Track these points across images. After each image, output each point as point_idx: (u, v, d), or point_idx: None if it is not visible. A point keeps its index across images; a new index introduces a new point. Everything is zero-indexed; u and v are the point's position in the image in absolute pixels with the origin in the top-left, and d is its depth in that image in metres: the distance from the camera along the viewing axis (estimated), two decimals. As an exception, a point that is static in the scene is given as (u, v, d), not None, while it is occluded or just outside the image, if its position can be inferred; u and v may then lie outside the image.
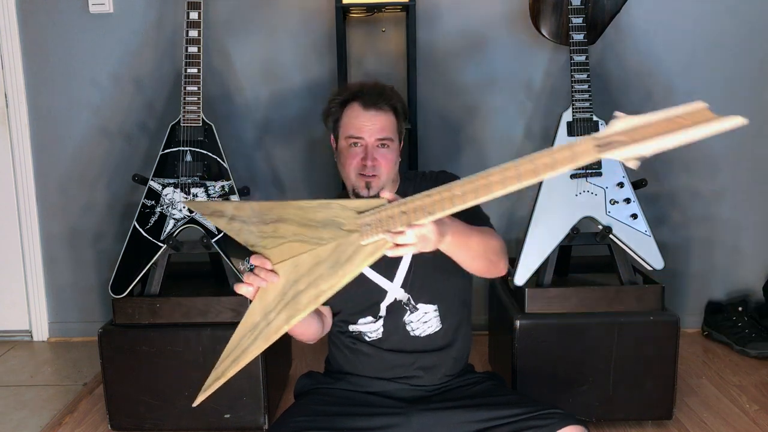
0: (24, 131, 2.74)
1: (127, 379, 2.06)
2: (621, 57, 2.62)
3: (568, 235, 2.03)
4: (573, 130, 2.08)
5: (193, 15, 2.17)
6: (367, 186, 1.50)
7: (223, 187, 2.11)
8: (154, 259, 2.07)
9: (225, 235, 2.08)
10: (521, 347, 2.00)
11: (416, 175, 1.64)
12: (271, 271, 1.26)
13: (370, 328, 1.55)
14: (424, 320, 1.54)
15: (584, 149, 0.99)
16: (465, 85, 2.66)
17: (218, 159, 2.13)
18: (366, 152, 1.50)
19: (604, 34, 2.26)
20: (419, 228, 1.13)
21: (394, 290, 1.53)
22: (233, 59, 2.65)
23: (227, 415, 2.05)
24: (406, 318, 1.54)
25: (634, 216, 2.03)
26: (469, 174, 1.07)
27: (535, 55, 2.63)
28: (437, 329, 1.55)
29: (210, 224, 2.08)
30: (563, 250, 2.17)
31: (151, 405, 2.06)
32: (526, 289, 2.03)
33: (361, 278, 1.34)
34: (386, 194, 1.17)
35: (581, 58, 2.10)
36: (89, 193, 2.76)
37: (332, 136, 1.62)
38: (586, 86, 2.08)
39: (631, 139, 0.96)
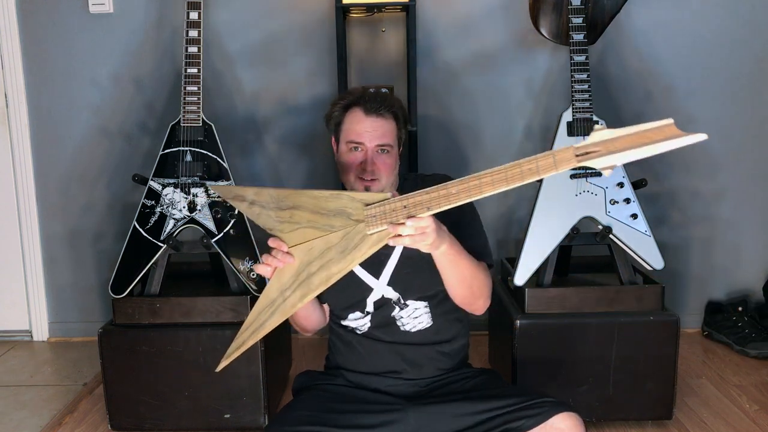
0: (24, 131, 2.74)
1: (127, 379, 2.06)
2: (621, 57, 2.62)
3: (568, 235, 2.03)
4: (573, 130, 2.08)
5: (193, 15, 2.17)
6: (367, 190, 1.54)
7: (223, 187, 2.12)
8: (154, 259, 2.07)
9: (225, 235, 2.08)
10: (521, 347, 2.00)
11: (415, 177, 1.70)
12: (287, 253, 1.38)
13: (359, 322, 1.60)
14: (414, 316, 1.58)
15: (565, 157, 1.16)
16: (465, 85, 2.66)
17: (218, 159, 2.13)
18: (366, 157, 1.54)
19: (604, 34, 2.26)
20: (418, 221, 1.26)
21: (380, 287, 1.57)
22: (233, 59, 2.66)
23: (227, 415, 2.05)
24: (396, 314, 1.58)
25: (634, 216, 2.03)
26: (467, 173, 1.19)
27: (535, 55, 2.63)
28: (428, 325, 1.59)
29: (210, 224, 2.08)
30: (563, 250, 2.17)
31: (151, 405, 2.06)
32: (526, 289, 2.03)
33: (349, 275, 1.40)
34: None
35: (581, 58, 2.10)
36: (89, 193, 2.76)
37: (333, 139, 1.66)
38: (586, 86, 2.08)
39: (607, 150, 1.14)
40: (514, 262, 2.07)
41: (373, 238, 1.33)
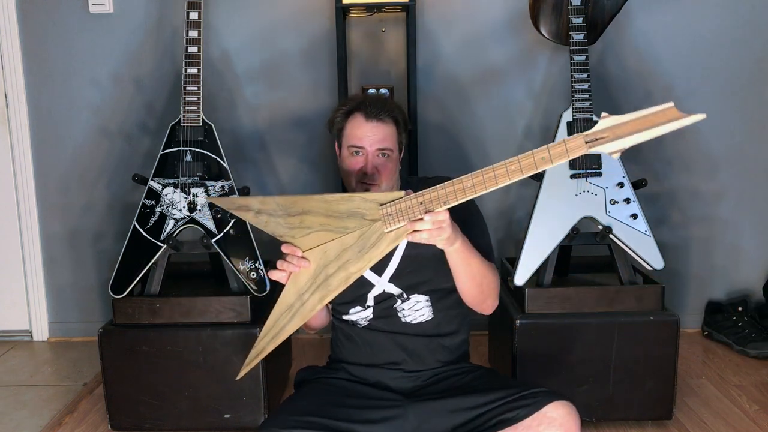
0: (24, 131, 2.74)
1: (127, 379, 2.06)
2: (621, 57, 2.62)
3: (568, 235, 2.03)
4: (573, 129, 2.08)
5: (193, 15, 2.17)
6: None
7: (223, 187, 2.11)
8: (154, 259, 2.07)
9: (225, 235, 2.08)
10: (521, 347, 2.00)
11: (418, 181, 1.73)
12: (302, 257, 1.42)
13: (360, 315, 1.63)
14: (416, 308, 1.61)
15: (576, 144, 1.24)
16: (465, 85, 2.66)
17: (218, 159, 2.13)
18: (367, 161, 1.59)
19: (604, 34, 2.26)
20: (436, 215, 1.33)
21: (382, 284, 1.60)
22: (233, 59, 2.66)
23: (227, 415, 2.05)
24: (398, 305, 1.61)
25: (634, 216, 2.03)
26: (468, 173, 1.25)
27: (535, 55, 2.63)
28: (429, 318, 1.62)
29: (210, 224, 2.08)
30: (563, 250, 2.18)
31: (151, 405, 2.06)
32: (526, 289, 2.03)
33: None
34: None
35: (581, 58, 2.10)
36: (89, 193, 2.76)
37: (336, 144, 1.69)
38: (586, 86, 2.08)
39: (614, 135, 1.22)
40: (514, 262, 2.07)
41: (390, 236, 1.38)
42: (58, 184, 2.77)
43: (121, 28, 2.64)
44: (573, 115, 2.08)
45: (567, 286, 2.08)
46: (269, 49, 2.65)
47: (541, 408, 1.39)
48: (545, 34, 2.23)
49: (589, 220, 2.05)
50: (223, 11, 2.62)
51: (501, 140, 2.69)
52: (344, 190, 1.67)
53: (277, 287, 1.55)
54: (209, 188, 2.11)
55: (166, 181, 2.11)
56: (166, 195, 2.11)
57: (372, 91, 2.35)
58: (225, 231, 2.08)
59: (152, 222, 2.09)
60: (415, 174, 2.44)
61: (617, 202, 2.03)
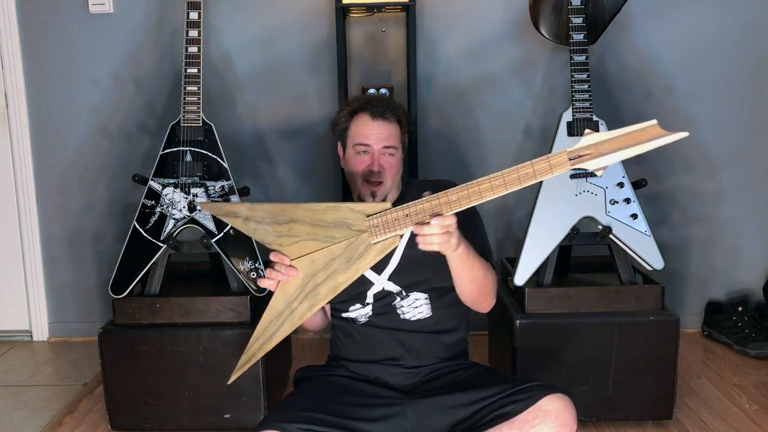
0: (24, 131, 2.74)
1: (127, 379, 2.06)
2: (621, 57, 2.62)
3: (568, 235, 2.03)
4: (573, 129, 2.08)
5: (193, 15, 2.17)
6: (373, 195, 1.61)
7: (223, 187, 2.12)
8: (154, 259, 2.07)
9: (225, 235, 2.08)
10: (521, 347, 2.00)
11: (419, 183, 1.76)
12: (290, 266, 1.43)
13: (359, 312, 1.64)
14: (415, 305, 1.63)
15: (559, 161, 1.24)
16: (465, 85, 2.66)
17: (218, 159, 2.13)
18: (373, 159, 1.61)
19: (604, 34, 2.26)
20: (443, 219, 1.32)
21: (381, 282, 1.62)
22: (233, 59, 2.66)
23: (227, 415, 2.05)
24: (397, 303, 1.63)
25: (634, 216, 2.03)
26: (468, 173, 1.23)
27: (535, 55, 2.63)
28: (428, 315, 1.64)
29: (210, 224, 2.08)
30: (563, 250, 2.17)
31: (151, 405, 2.06)
32: (526, 289, 2.03)
33: None
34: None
35: (581, 58, 2.10)
36: (89, 193, 2.76)
37: (339, 145, 1.72)
38: (586, 86, 2.08)
39: (598, 152, 1.22)
40: (514, 262, 2.07)
41: (377, 247, 1.38)
42: (58, 184, 2.77)
43: (121, 28, 2.64)
44: (573, 115, 2.08)
45: (567, 286, 2.08)
46: (269, 48, 2.65)
47: (537, 402, 1.40)
48: (545, 34, 2.23)
49: (589, 220, 2.05)
50: (223, 11, 2.62)
51: (501, 140, 2.68)
52: (345, 191, 1.69)
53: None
54: (209, 188, 2.11)
55: (166, 181, 2.11)
56: (166, 195, 2.11)
57: (372, 91, 2.35)
58: (225, 231, 2.08)
59: (152, 222, 2.09)
60: (415, 176, 2.44)
61: (617, 202, 2.03)
